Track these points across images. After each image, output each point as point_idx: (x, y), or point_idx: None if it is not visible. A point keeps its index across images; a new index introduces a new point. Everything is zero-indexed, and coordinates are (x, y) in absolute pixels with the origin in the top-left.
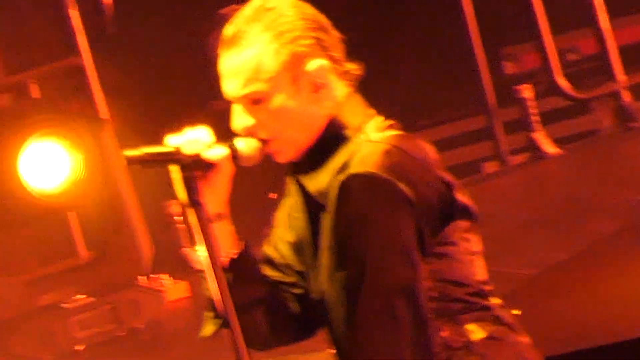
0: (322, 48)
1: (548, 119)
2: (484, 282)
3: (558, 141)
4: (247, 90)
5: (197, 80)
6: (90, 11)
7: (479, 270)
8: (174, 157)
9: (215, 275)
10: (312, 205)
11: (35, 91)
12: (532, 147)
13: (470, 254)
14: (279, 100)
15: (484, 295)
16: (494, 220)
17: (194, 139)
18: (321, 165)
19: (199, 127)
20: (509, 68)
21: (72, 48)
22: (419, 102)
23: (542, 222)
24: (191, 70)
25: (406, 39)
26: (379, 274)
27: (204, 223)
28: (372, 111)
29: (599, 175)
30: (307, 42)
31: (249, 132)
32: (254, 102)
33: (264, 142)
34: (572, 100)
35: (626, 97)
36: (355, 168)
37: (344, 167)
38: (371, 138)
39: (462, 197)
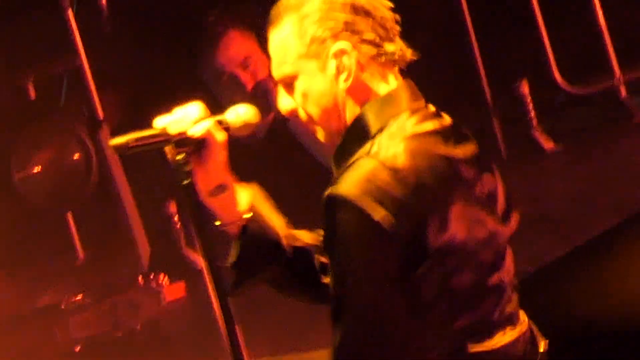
0: (351, 31)
1: (545, 114)
2: (492, 313)
3: (556, 137)
4: (279, 73)
5: (194, 79)
6: (87, 11)
7: (489, 301)
8: (159, 138)
9: (213, 274)
10: None
11: (31, 91)
12: (530, 143)
13: (478, 287)
14: (304, 82)
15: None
16: None
17: (180, 117)
18: (345, 162)
19: (188, 104)
20: (506, 63)
21: (68, 48)
22: None
23: (541, 218)
24: (189, 70)
25: (404, 36)
26: (352, 297)
27: (202, 222)
28: (420, 100)
29: (597, 171)
30: (332, 24)
31: (290, 114)
32: (287, 84)
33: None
34: (569, 95)
35: (624, 92)
36: (336, 187)
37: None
38: (374, 149)
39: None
